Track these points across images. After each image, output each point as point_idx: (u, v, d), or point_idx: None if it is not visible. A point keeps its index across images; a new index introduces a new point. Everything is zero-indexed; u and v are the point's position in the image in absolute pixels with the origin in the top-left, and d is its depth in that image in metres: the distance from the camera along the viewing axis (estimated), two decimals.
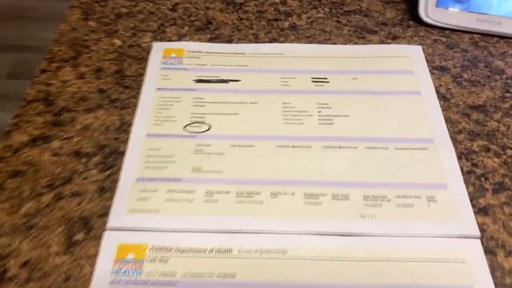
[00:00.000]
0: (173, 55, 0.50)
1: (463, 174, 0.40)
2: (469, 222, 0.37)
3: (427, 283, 0.33)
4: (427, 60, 0.49)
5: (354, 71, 0.48)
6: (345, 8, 0.57)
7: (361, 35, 0.53)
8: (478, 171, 0.40)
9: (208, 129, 0.43)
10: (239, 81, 0.48)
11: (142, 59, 0.50)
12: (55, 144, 0.42)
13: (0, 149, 0.41)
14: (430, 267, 0.34)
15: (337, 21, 0.54)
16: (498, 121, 0.44)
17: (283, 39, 0.52)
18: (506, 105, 0.46)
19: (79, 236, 0.36)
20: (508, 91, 0.47)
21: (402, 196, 0.38)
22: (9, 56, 1.63)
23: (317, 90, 0.47)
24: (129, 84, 0.47)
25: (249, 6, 0.57)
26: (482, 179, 0.40)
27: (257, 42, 0.52)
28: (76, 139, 0.42)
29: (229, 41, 0.52)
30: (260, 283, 0.34)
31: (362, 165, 0.40)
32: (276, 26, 0.54)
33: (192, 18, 0.55)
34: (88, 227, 0.37)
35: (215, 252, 0.35)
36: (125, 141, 0.42)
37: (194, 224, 0.37)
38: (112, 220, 0.37)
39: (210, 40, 0.52)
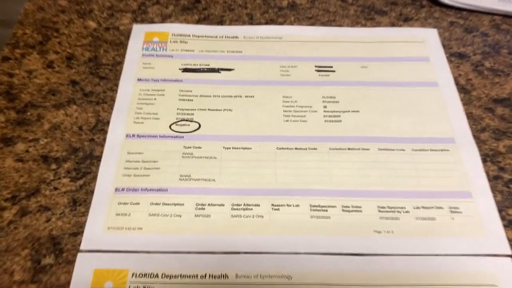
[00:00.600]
0: (156, 39, 0.44)
1: (489, 180, 0.35)
2: (498, 238, 0.32)
3: None
4: (443, 46, 0.44)
5: (363, 58, 0.43)
6: None
7: (369, 16, 0.47)
8: (506, 176, 0.35)
9: (198, 129, 0.37)
10: (232, 71, 0.42)
11: (120, 45, 0.43)
12: (19, 147, 0.36)
13: None
14: None
15: (342, 0, 0.48)
16: None
17: (281, 21, 0.46)
18: None
19: (48, 260, 0.31)
20: None
21: (422, 207, 0.34)
22: None
23: (322, 81, 0.41)
24: (105, 74, 0.41)
25: None
26: (511, 185, 0.35)
27: (252, 24, 0.46)
28: (43, 141, 0.36)
29: (220, 22, 0.46)
30: None
31: (375, 170, 0.35)
32: (273, 5, 0.47)
33: None
34: (59, 249, 0.31)
35: (209, 277, 0.30)
36: (101, 143, 0.36)
37: (183, 244, 0.31)
38: (87, 240, 0.31)
39: (198, 21, 0.46)
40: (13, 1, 0.47)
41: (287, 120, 0.38)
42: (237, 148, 0.36)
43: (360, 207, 0.33)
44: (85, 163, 0.35)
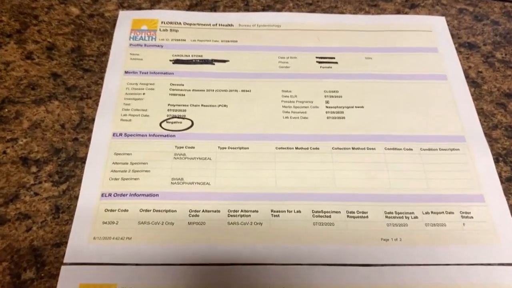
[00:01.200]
0: (144, 27, 0.40)
1: (501, 182, 0.33)
2: None
3: None
4: (452, 35, 0.41)
5: (367, 48, 0.40)
6: None
7: (373, 2, 0.43)
8: None
9: (190, 126, 0.35)
10: (227, 62, 0.39)
11: (106, 33, 0.40)
12: None
13: None
14: None
15: None
16: None
17: (279, 7, 0.43)
18: None
19: (29, 274, 0.28)
20: None
21: (431, 212, 0.31)
22: None
23: (324, 73, 0.38)
24: (89, 66, 0.38)
25: None
26: None
27: (247, 10, 0.42)
28: (22, 141, 0.33)
29: (213, 9, 0.42)
30: None
31: (382, 172, 0.33)
32: None
33: None
34: (40, 262, 0.29)
35: None
36: (86, 143, 0.33)
37: (176, 255, 0.29)
38: (71, 251, 0.29)
39: (190, 8, 0.42)
40: None
41: (286, 117, 0.35)
42: (234, 148, 0.34)
43: (366, 212, 0.31)
44: (68, 166, 0.32)
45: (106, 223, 0.30)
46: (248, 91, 0.37)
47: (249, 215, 0.31)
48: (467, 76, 0.38)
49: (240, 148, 0.34)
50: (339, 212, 0.31)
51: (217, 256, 0.29)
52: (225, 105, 0.36)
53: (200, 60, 0.39)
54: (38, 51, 0.38)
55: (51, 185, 0.32)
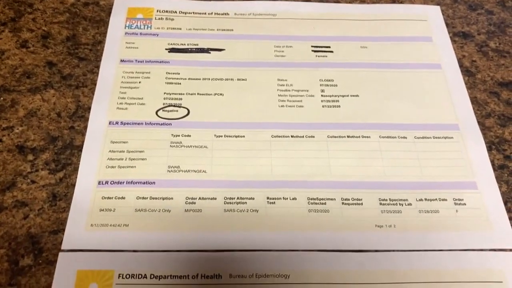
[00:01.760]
0: (140, 16, 0.40)
1: (494, 169, 0.33)
2: (505, 231, 0.31)
3: None
4: (446, 25, 0.41)
5: (362, 37, 0.40)
6: None
7: None
8: None
9: (186, 115, 0.35)
10: (223, 51, 0.39)
11: (101, 22, 0.40)
12: None
13: None
14: None
15: None
16: None
17: None
18: None
19: (27, 261, 0.28)
20: None
21: (425, 199, 0.32)
22: None
23: (319, 62, 0.38)
24: (85, 55, 0.38)
25: None
26: None
27: None
28: (19, 130, 0.34)
29: None
30: None
31: (377, 160, 0.33)
32: None
33: None
34: (38, 249, 0.29)
35: (200, 278, 0.28)
36: (82, 132, 0.34)
37: (173, 242, 0.29)
38: (68, 238, 0.29)
39: None
40: None
41: (282, 106, 0.36)
42: (230, 136, 0.34)
43: (360, 199, 0.32)
44: (64, 154, 0.33)
45: (103, 210, 0.30)
46: (244, 79, 0.37)
47: (245, 203, 0.31)
48: (461, 65, 0.39)
49: (236, 136, 0.34)
50: (334, 199, 0.31)
51: (214, 243, 0.29)
52: (221, 94, 0.36)
53: (196, 48, 0.39)
54: (33, 39, 0.38)
55: (47, 173, 0.32)
